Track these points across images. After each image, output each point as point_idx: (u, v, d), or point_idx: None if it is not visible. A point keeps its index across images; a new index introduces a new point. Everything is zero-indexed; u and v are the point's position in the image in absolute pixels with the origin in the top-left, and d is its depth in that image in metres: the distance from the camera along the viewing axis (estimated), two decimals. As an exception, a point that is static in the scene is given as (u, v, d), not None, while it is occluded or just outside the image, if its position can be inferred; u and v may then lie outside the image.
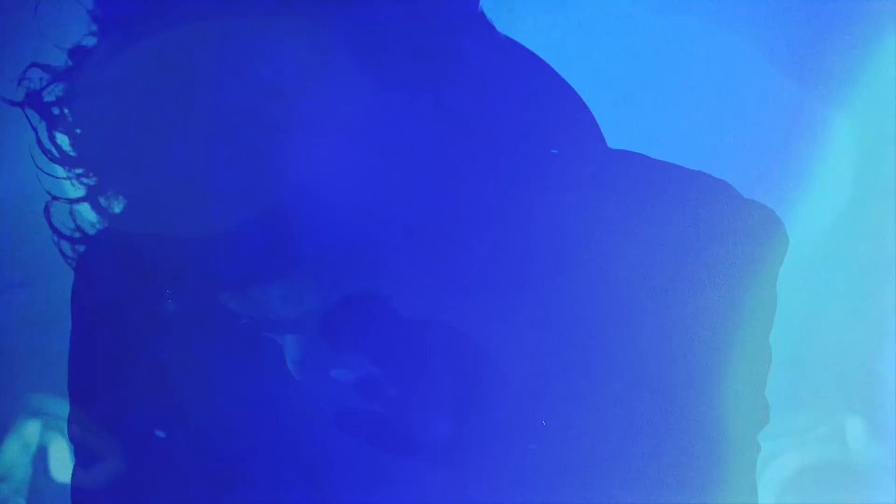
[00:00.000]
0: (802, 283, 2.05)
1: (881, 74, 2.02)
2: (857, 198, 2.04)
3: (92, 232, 1.55)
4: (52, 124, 1.40)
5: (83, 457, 1.86)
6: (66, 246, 1.52)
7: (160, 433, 1.69)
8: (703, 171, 1.58)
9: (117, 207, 1.50)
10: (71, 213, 1.53)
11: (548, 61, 1.63)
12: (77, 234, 1.49)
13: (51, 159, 1.41)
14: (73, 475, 1.83)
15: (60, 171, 1.43)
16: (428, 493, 1.66)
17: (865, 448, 2.03)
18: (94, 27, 1.42)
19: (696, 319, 1.47)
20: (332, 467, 1.75)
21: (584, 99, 1.65)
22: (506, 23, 1.73)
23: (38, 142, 1.40)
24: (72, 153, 1.39)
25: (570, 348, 1.58)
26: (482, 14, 1.46)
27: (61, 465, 2.06)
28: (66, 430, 1.98)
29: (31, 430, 2.06)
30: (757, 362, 1.61)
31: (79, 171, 1.39)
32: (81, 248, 1.50)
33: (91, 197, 1.44)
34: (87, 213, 1.57)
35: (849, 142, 2.03)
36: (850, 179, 2.03)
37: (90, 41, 1.43)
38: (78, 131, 1.37)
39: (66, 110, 1.38)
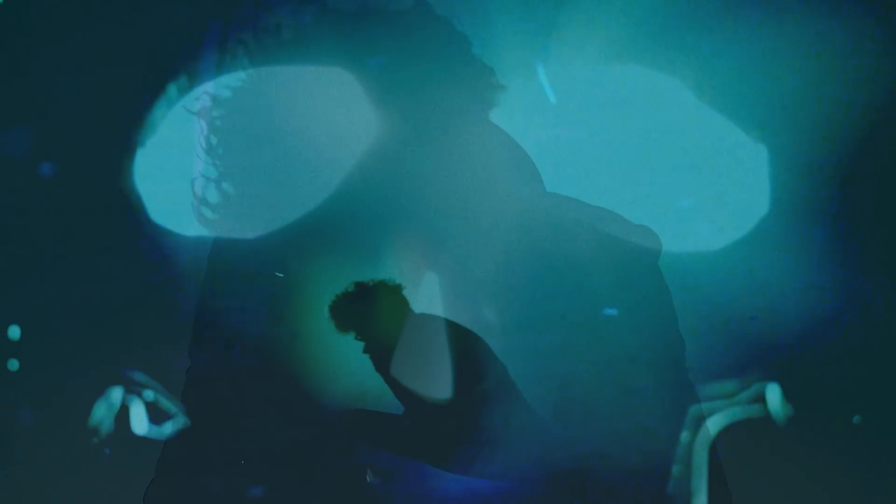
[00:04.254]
0: (738, 281, 2.38)
1: (796, 109, 2.35)
2: (775, 210, 2.36)
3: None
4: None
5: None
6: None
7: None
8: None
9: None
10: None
11: (502, 113, 2.06)
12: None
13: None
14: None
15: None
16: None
17: (780, 409, 2.33)
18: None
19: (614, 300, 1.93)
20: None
21: (532, 148, 2.09)
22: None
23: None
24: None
25: (521, 353, 2.02)
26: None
27: (138, 421, 2.35)
28: (143, 395, 2.32)
29: (115, 394, 2.35)
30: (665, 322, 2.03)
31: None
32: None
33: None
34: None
35: (767, 165, 2.35)
36: (768, 195, 2.36)
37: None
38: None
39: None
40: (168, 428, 2.39)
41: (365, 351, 2.00)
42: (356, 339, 2.02)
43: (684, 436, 2.37)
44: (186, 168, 2.41)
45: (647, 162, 2.35)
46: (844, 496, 2.33)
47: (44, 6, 2.37)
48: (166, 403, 2.40)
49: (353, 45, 2.35)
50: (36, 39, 2.37)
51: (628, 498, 2.27)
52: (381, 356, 2.03)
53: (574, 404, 2.22)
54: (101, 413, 2.36)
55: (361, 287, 2.03)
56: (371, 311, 2.02)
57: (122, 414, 2.34)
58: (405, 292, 2.05)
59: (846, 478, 2.33)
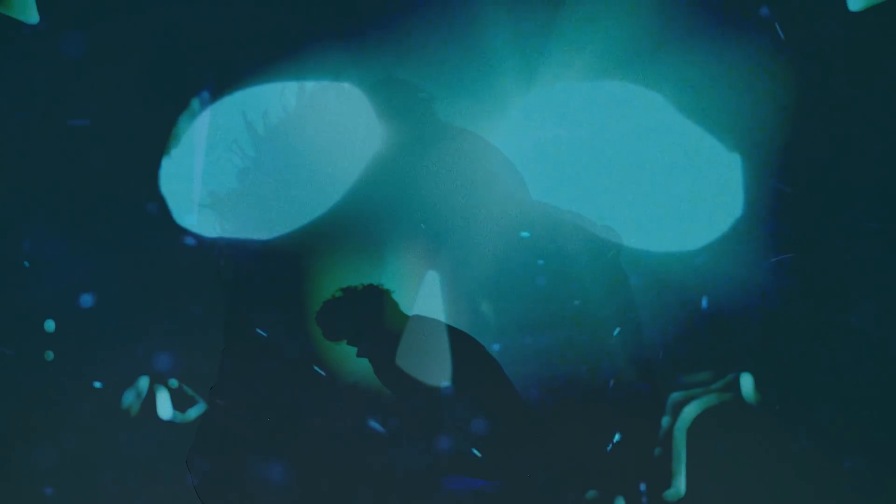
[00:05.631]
0: (713, 277, 2.49)
1: (764, 117, 2.46)
2: (748, 211, 2.47)
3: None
4: None
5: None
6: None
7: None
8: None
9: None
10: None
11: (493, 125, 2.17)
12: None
13: None
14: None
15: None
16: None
17: (752, 397, 2.48)
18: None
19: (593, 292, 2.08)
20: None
21: (528, 151, 2.20)
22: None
23: None
24: None
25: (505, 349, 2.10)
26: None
27: (163, 407, 2.49)
28: (167, 383, 2.42)
29: (141, 383, 2.50)
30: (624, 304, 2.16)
31: None
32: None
33: None
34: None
35: (739, 170, 2.47)
36: (742, 196, 2.48)
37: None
38: None
39: None
40: (192, 413, 2.48)
41: (359, 355, 1.99)
42: (348, 344, 2.00)
43: (665, 421, 2.47)
44: (207, 174, 2.53)
45: (635, 166, 2.45)
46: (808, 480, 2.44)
47: (74, 21, 2.52)
48: (190, 391, 2.50)
49: (352, 48, 2.43)
50: (63, 52, 2.52)
51: (627, 495, 2.37)
52: (376, 360, 2.03)
53: (573, 403, 2.25)
54: (130, 400, 2.48)
55: (348, 293, 2.00)
56: (359, 316, 2.00)
57: (149, 400, 2.46)
58: (395, 295, 2.03)
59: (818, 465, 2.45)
